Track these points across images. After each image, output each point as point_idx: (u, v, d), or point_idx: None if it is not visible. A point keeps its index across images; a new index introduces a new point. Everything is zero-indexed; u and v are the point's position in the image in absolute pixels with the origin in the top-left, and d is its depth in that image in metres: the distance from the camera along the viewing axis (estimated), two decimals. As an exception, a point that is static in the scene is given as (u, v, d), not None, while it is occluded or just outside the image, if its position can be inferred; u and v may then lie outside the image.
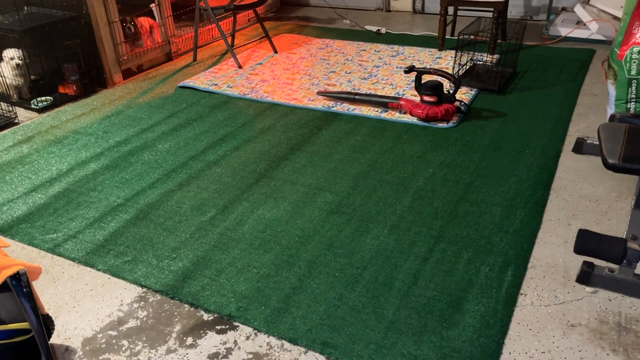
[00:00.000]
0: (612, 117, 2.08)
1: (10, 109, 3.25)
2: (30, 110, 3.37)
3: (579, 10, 4.19)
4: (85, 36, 3.55)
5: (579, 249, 1.70)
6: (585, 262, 1.81)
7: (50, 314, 1.66)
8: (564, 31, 4.19)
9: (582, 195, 2.29)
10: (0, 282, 1.13)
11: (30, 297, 1.16)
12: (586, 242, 1.68)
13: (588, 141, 2.59)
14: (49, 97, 3.45)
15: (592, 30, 4.06)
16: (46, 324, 1.35)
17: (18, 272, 1.17)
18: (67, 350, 1.65)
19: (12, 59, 3.32)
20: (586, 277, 1.79)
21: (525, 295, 1.79)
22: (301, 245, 2.06)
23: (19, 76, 3.40)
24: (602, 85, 3.35)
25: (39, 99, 3.42)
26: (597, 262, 1.81)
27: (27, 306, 1.12)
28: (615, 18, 4.00)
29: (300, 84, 3.57)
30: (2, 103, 3.29)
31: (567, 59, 3.81)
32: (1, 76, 3.36)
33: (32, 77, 3.50)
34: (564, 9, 4.55)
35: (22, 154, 2.83)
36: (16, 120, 3.22)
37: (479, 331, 1.65)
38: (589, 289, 1.79)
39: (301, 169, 2.57)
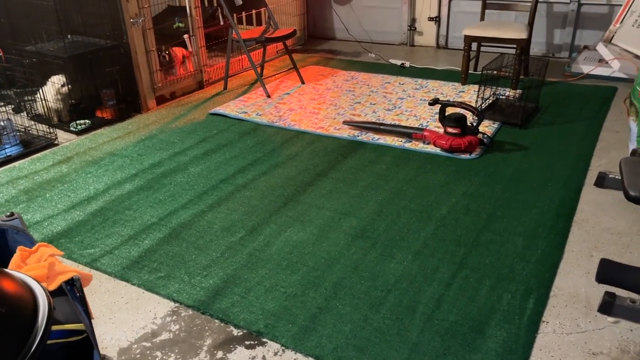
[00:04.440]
0: (634, 152, 2.14)
1: (51, 130, 3.42)
2: (69, 132, 3.53)
3: (601, 48, 4.27)
4: (124, 64, 3.74)
5: (600, 278, 1.74)
6: (607, 292, 1.84)
7: (89, 324, 1.74)
8: (586, 69, 4.27)
9: (604, 228, 2.33)
10: (56, 287, 1.23)
11: (84, 301, 1.25)
12: (608, 271, 1.72)
13: (610, 175, 2.64)
14: (87, 121, 3.62)
15: (614, 68, 4.13)
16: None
17: (72, 278, 1.26)
18: (104, 359, 1.73)
19: (63, 85, 3.51)
20: (608, 307, 1.82)
21: (547, 322, 1.83)
22: (327, 267, 2.13)
23: (59, 100, 3.58)
24: (624, 122, 3.40)
25: (77, 122, 3.59)
26: (619, 292, 1.85)
27: (80, 310, 1.21)
28: (637, 57, 4.07)
29: (326, 114, 3.69)
30: (43, 125, 3.46)
31: (589, 95, 3.88)
32: (44, 100, 3.54)
33: (72, 101, 3.68)
34: (586, 47, 4.63)
35: (61, 173, 2.98)
36: (56, 142, 3.38)
37: (501, 356, 1.69)
38: (610, 319, 1.82)
39: (327, 195, 2.66)
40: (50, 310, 1.05)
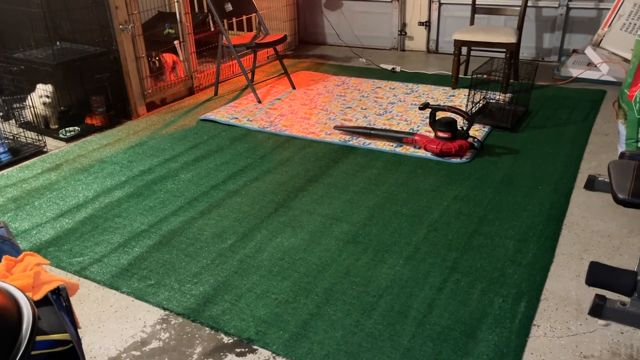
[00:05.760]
0: (622, 155, 2.15)
1: (40, 138, 3.39)
2: (58, 139, 3.51)
3: (589, 52, 4.30)
4: (114, 70, 3.72)
5: (590, 281, 1.74)
6: (597, 295, 1.84)
7: (77, 333, 1.72)
8: (575, 72, 4.29)
9: (594, 231, 2.34)
10: (41, 296, 1.21)
11: (70, 311, 1.23)
12: (597, 274, 1.73)
13: (600, 178, 2.65)
14: (76, 127, 3.59)
15: (603, 71, 4.16)
16: (76, 341, 1.41)
17: (58, 287, 1.24)
18: (93, 368, 1.71)
19: (40, 97, 3.48)
20: (598, 309, 1.82)
21: (538, 326, 1.82)
22: (318, 273, 2.12)
23: (48, 107, 3.55)
24: (613, 124, 3.42)
25: (66, 129, 3.56)
26: (610, 295, 1.85)
27: (66, 319, 1.19)
28: (625, 60, 4.10)
29: (317, 119, 3.68)
30: (32, 132, 3.44)
31: (579, 99, 3.90)
32: (32, 107, 3.51)
33: (61, 108, 3.66)
34: (575, 51, 4.67)
35: (50, 181, 2.95)
36: (45, 149, 3.35)
37: (492, 360, 1.69)
38: (601, 321, 1.82)
39: (318, 200, 2.65)
40: (35, 320, 1.04)
